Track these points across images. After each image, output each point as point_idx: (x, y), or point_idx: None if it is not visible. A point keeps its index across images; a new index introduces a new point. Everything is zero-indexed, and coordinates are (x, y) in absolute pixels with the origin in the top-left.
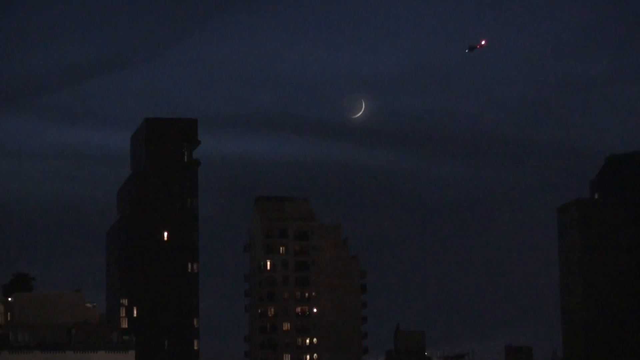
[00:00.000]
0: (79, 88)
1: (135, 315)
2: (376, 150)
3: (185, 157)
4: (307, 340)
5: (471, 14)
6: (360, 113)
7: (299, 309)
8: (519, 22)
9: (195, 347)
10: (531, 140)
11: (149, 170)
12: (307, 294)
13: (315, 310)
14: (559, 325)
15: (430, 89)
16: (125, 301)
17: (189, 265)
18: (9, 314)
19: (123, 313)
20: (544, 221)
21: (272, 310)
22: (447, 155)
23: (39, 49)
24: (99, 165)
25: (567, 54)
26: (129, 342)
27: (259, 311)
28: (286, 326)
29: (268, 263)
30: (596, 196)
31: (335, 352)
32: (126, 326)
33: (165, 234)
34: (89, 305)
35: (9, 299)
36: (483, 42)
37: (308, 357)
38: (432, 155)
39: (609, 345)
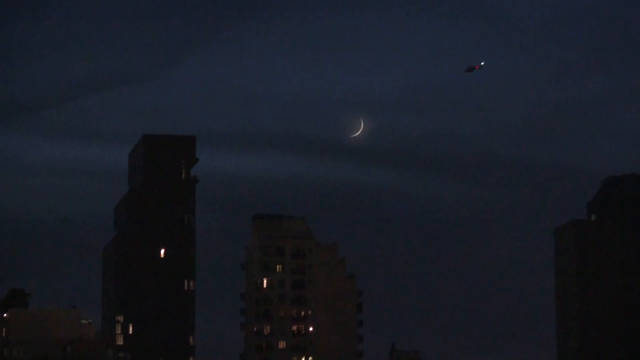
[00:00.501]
0: (77, 104)
1: (131, 332)
2: (374, 169)
3: (183, 174)
4: (303, 359)
5: (471, 35)
6: (359, 132)
7: (295, 328)
8: (519, 43)
9: None
10: (529, 161)
11: (146, 187)
12: (303, 313)
13: (311, 328)
14: (555, 345)
15: (429, 110)
16: (121, 318)
17: (186, 283)
18: (4, 329)
19: (119, 330)
20: (541, 242)
21: (268, 328)
22: (446, 176)
23: (38, 64)
24: (97, 182)
25: (567, 76)
26: (124, 359)
27: (255, 329)
28: (282, 344)
29: (265, 281)
30: (593, 218)
31: None
32: (122, 343)
33: (162, 250)
34: (84, 321)
35: (5, 314)
36: (482, 63)
37: None
38: (430, 175)
39: None
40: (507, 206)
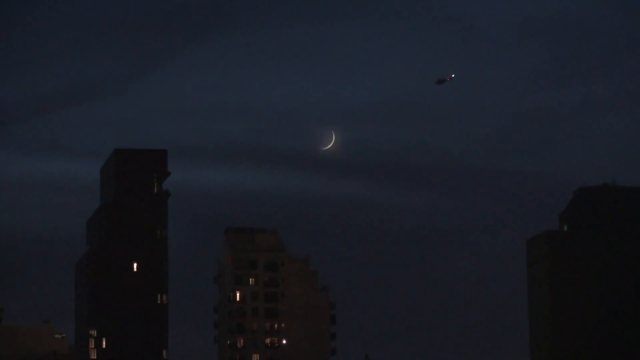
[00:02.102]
0: (48, 118)
1: (104, 346)
2: (346, 181)
3: (155, 188)
4: None
5: (442, 46)
6: (331, 144)
7: (268, 340)
8: (490, 53)
9: None
10: (502, 171)
11: (118, 201)
12: (276, 326)
13: (284, 341)
14: (528, 357)
15: (401, 121)
16: (94, 332)
17: (159, 297)
18: None
19: (92, 344)
20: (514, 252)
21: (242, 341)
22: (418, 187)
23: (7, 78)
24: (68, 196)
25: (538, 86)
26: None
27: (229, 342)
28: (255, 358)
29: (237, 294)
30: (566, 228)
31: None
32: (95, 358)
33: (135, 265)
34: (57, 336)
35: None
36: (452, 76)
37: None
38: (402, 187)
39: None
40: (479, 217)
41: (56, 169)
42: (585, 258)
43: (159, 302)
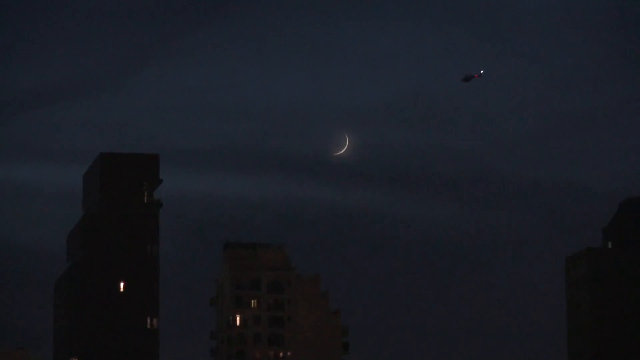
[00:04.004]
0: (26, 119)
1: None
2: (361, 191)
3: (145, 197)
4: None
5: (469, 40)
6: (344, 149)
7: None
8: (520, 51)
9: None
10: (535, 180)
11: (103, 212)
12: (281, 354)
13: None
14: None
15: (422, 123)
16: None
17: (149, 320)
18: None
19: None
20: (551, 272)
21: None
22: (441, 197)
23: None
24: (47, 206)
25: (575, 85)
26: None
27: None
28: None
29: (238, 318)
30: (609, 245)
31: None
32: None
33: (122, 284)
34: None
35: None
36: (481, 72)
37: None
38: (423, 197)
39: None
40: (511, 232)
41: (33, 176)
42: (630, 278)
43: (148, 326)
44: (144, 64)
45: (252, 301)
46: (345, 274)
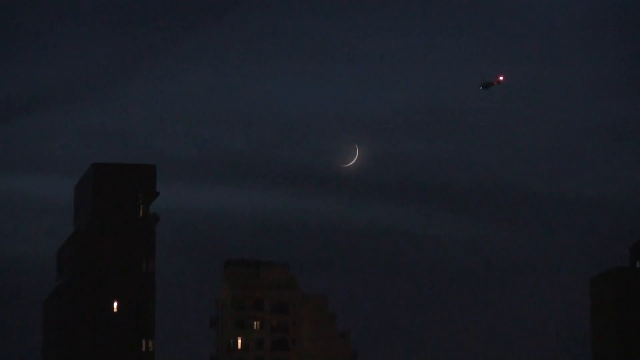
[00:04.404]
0: (10, 127)
1: None
2: (372, 205)
3: (141, 211)
4: None
5: (488, 44)
6: (354, 161)
7: None
8: (543, 56)
9: None
10: (558, 195)
11: (96, 227)
12: None
13: None
14: None
15: (437, 133)
16: None
17: (144, 343)
18: None
19: None
20: (575, 293)
21: None
22: (457, 212)
23: None
24: (36, 220)
25: (602, 94)
26: None
27: None
28: None
29: (239, 341)
30: (637, 265)
31: None
32: None
33: (115, 304)
34: None
35: None
36: (501, 78)
37: None
38: (438, 213)
39: None
40: (533, 250)
41: (21, 188)
42: None
43: (144, 349)
44: (141, 68)
45: (255, 323)
46: (354, 294)
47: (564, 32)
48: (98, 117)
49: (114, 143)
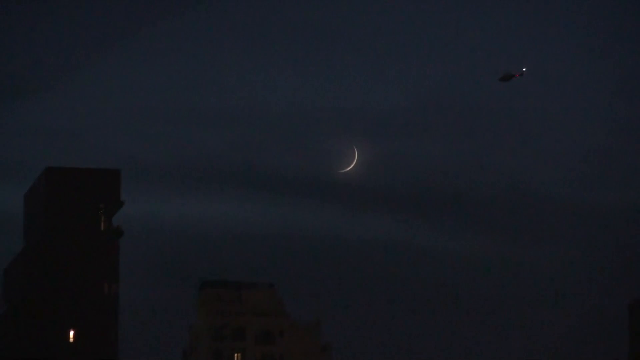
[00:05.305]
0: None
1: None
2: (373, 216)
3: (102, 223)
4: None
5: (508, 31)
6: (352, 166)
7: None
8: (575, 42)
9: None
10: (593, 205)
11: (49, 242)
12: None
13: None
14: None
15: (450, 133)
16: None
17: None
18: None
19: None
20: (610, 319)
21: None
22: (474, 225)
23: None
24: None
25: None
26: None
27: None
28: None
29: None
30: None
31: None
32: None
33: (72, 332)
34: None
35: None
36: (523, 70)
37: None
38: (452, 225)
39: None
40: (561, 269)
41: None
42: None
43: None
44: (102, 59)
45: (235, 355)
46: (351, 321)
47: (596, 19)
48: (52, 113)
49: (71, 144)
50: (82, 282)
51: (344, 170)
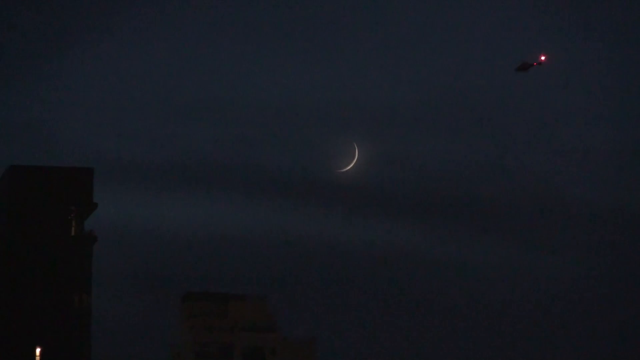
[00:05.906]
0: None
1: None
2: (375, 220)
3: (74, 228)
4: None
5: (526, 17)
6: (352, 164)
7: None
8: (599, 29)
9: None
10: (624, 211)
11: (13, 250)
12: None
13: None
14: None
15: (461, 130)
16: None
17: None
18: None
19: None
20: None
21: None
22: (488, 232)
23: None
24: None
25: None
26: None
27: None
28: None
29: None
30: None
31: None
32: None
33: (38, 350)
34: None
35: None
36: (542, 58)
37: None
38: (463, 231)
39: None
40: (586, 280)
41: None
42: None
43: None
44: (74, 43)
45: None
46: (351, 337)
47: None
48: (18, 106)
49: (38, 141)
50: (50, 294)
51: (344, 170)
